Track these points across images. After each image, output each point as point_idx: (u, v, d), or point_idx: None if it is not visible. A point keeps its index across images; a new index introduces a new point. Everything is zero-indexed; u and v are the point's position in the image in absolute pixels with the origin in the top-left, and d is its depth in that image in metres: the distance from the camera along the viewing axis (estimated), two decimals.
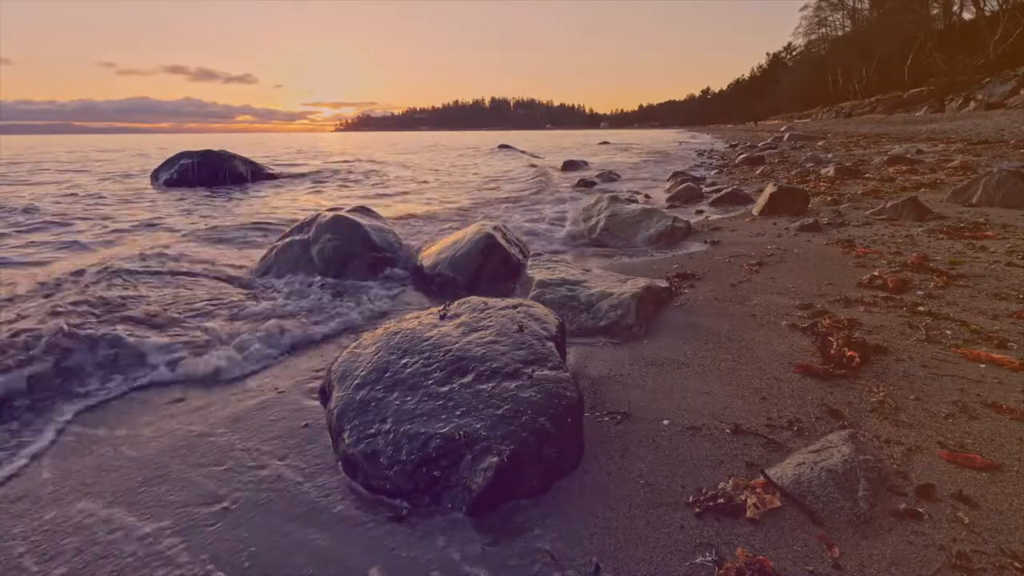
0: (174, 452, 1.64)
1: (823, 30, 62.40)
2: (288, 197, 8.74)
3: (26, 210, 6.64)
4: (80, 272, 3.57)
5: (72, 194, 8.67)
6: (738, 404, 1.76)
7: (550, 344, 1.83)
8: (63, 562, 1.20)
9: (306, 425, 1.79)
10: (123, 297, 2.99)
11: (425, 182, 11.05)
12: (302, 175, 12.17)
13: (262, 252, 4.13)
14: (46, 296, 3.09)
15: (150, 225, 6.00)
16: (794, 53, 75.73)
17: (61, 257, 4.46)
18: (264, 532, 1.30)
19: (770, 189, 5.42)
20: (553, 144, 30.96)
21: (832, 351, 2.02)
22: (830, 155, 11.48)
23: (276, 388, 2.08)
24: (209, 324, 2.69)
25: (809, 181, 7.53)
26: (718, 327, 2.43)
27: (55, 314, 2.60)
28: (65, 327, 2.30)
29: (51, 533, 1.30)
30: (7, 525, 1.34)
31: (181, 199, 8.25)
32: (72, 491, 1.46)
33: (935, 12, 43.02)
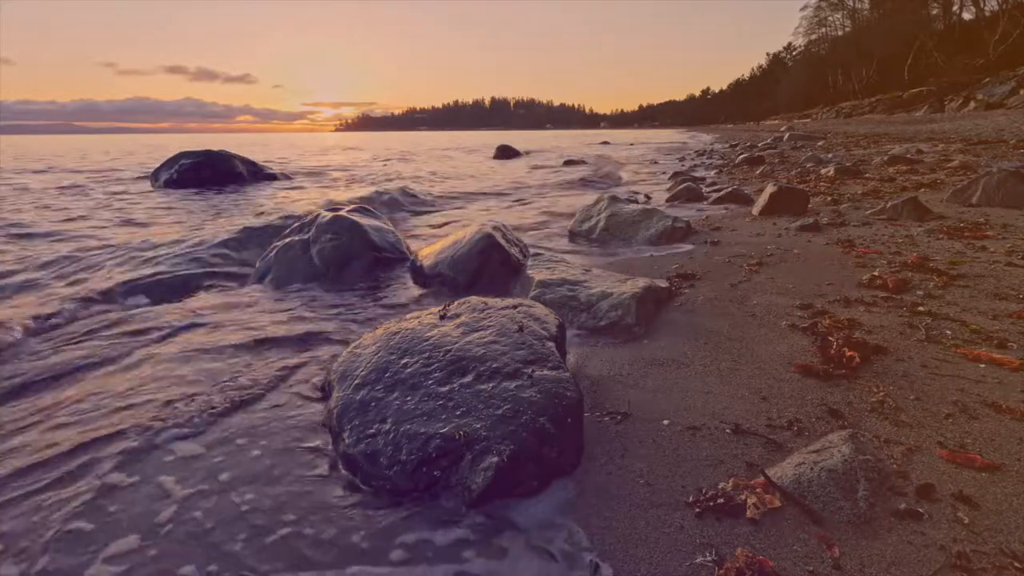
0: None
1: (823, 30, 62.44)
2: (287, 197, 8.73)
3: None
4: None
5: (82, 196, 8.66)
6: (738, 404, 1.76)
7: (550, 344, 1.83)
8: None
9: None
10: None
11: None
12: (301, 174, 12.21)
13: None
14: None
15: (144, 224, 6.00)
16: (794, 53, 75.81)
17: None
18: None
19: (770, 189, 5.41)
20: (553, 144, 30.98)
21: (832, 351, 2.02)
22: (830, 155, 11.48)
23: None
24: None
25: (809, 181, 7.52)
26: (718, 327, 2.43)
27: None
28: None
29: None
30: None
31: (183, 199, 8.25)
32: None
33: (935, 12, 43.01)
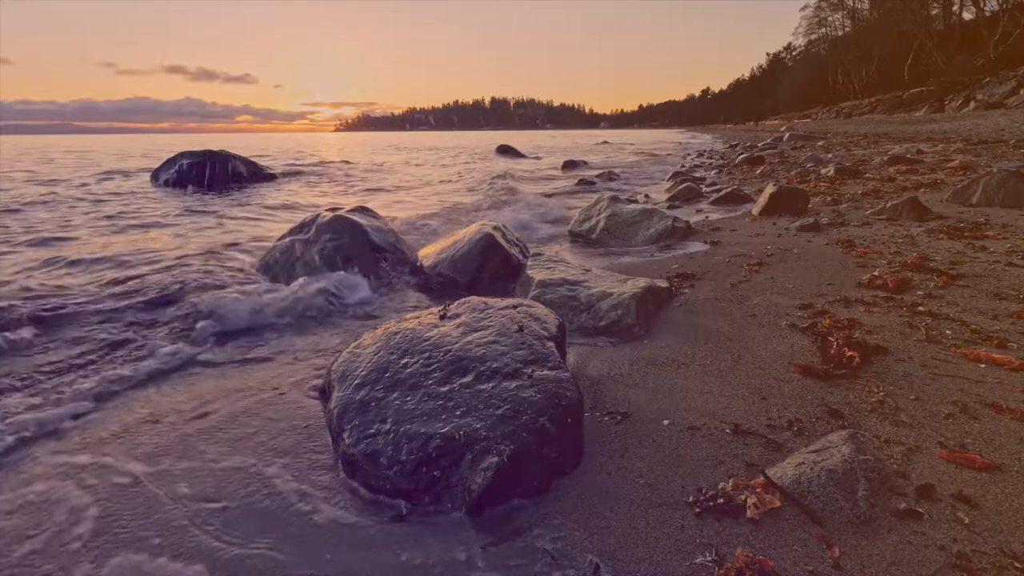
0: None
1: (823, 30, 62.38)
2: (288, 197, 8.73)
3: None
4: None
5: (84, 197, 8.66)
6: (738, 404, 1.76)
7: (550, 344, 1.83)
8: None
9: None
10: None
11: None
12: (299, 174, 12.23)
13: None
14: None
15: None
16: (794, 53, 75.76)
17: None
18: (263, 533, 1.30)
19: (770, 189, 5.41)
20: (553, 144, 31.01)
21: (832, 351, 2.02)
22: (830, 155, 11.48)
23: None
24: None
25: (809, 181, 7.52)
26: (718, 327, 2.43)
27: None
28: None
29: None
30: None
31: (184, 200, 8.25)
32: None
33: (935, 12, 42.95)
